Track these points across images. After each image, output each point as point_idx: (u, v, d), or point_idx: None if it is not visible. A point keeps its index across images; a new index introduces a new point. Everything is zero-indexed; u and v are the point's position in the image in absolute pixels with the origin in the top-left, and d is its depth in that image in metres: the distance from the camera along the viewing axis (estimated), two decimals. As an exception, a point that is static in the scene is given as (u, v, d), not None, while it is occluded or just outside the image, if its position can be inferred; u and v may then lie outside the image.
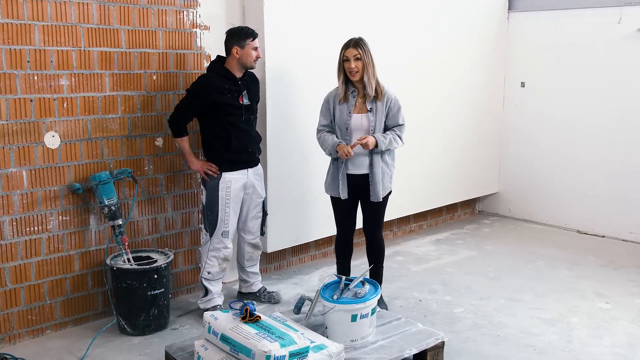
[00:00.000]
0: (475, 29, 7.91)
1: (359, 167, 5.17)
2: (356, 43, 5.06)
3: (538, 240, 7.59)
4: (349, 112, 5.14)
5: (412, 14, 7.05)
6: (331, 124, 5.26)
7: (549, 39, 7.97)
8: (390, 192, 5.30)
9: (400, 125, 5.19)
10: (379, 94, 5.11)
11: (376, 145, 5.03)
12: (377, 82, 5.12)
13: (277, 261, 6.50)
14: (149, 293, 4.97)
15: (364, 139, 4.99)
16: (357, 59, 5.03)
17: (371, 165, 5.14)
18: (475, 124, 8.15)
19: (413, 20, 7.07)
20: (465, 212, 8.72)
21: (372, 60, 5.07)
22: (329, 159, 5.35)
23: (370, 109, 5.12)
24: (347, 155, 5.04)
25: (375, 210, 5.31)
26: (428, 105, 7.38)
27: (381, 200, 5.20)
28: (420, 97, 7.21)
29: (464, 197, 8.36)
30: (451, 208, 8.44)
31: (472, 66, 7.96)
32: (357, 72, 5.04)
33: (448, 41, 7.54)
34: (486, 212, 8.89)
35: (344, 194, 5.23)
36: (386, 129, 5.17)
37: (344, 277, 4.43)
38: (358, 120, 5.13)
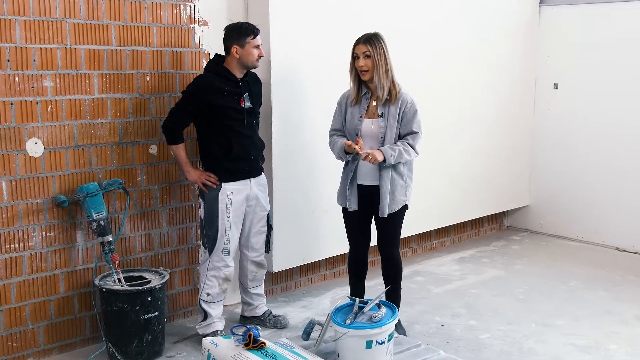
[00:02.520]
0: (502, 25, 7.89)
1: (371, 177, 5.14)
2: (367, 39, 5.03)
3: (573, 259, 7.55)
4: (361, 116, 5.12)
5: (432, 9, 7.03)
6: (343, 128, 5.23)
7: (585, 35, 7.93)
8: (405, 207, 5.25)
9: (414, 133, 5.09)
10: (392, 97, 5.07)
11: (384, 160, 4.98)
12: (393, 84, 5.08)
13: (283, 282, 6.48)
14: (142, 317, 4.95)
15: (368, 154, 4.93)
16: (367, 56, 5.00)
17: (380, 175, 5.10)
18: (503, 129, 8.12)
19: (433, 15, 7.06)
20: (492, 227, 8.69)
21: (385, 59, 5.02)
22: (341, 168, 5.32)
23: (382, 113, 5.08)
24: (356, 149, 4.94)
25: (389, 225, 5.25)
26: (450, 109, 7.36)
27: (386, 215, 5.14)
28: (441, 99, 7.20)
29: (491, 211, 8.34)
30: (476, 223, 8.40)
31: (499, 66, 7.94)
32: (366, 71, 5.02)
33: (473, 38, 7.53)
34: (515, 227, 8.85)
35: (352, 205, 5.21)
36: (400, 136, 5.13)
37: (357, 300, 4.40)
38: (369, 125, 5.10)
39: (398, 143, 5.05)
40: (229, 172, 5.18)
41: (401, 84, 5.16)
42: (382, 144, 5.05)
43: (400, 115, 5.07)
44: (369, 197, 5.17)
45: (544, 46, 8.30)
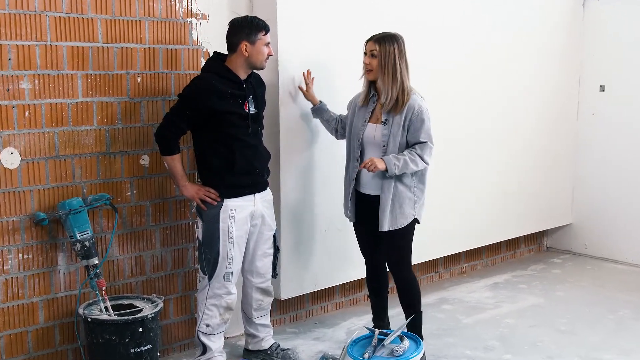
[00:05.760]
0: (542, 21, 7.91)
1: (374, 186, 5.26)
2: (379, 38, 5.18)
3: (621, 284, 7.55)
4: (365, 120, 5.24)
5: (462, 2, 7.02)
6: (346, 124, 5.45)
7: (635, 31, 7.94)
8: (414, 221, 5.28)
9: (422, 143, 5.14)
10: (398, 105, 5.13)
11: (386, 170, 5.06)
12: (402, 92, 5.13)
13: (293, 310, 6.46)
14: (132, 350, 4.92)
15: (368, 161, 5.05)
16: (373, 55, 5.16)
17: (382, 185, 5.19)
18: (543, 137, 8.12)
19: (464, 10, 7.06)
20: (530, 248, 8.68)
21: (393, 63, 5.12)
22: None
23: (385, 120, 5.17)
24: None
25: (397, 241, 5.32)
26: (482, 115, 7.36)
27: (386, 229, 5.19)
28: (472, 104, 7.20)
29: (529, 230, 8.34)
30: (512, 244, 8.39)
31: (538, 66, 7.95)
32: (370, 70, 5.18)
33: (508, 35, 7.53)
34: (556, 248, 8.86)
35: (351, 217, 5.40)
36: (408, 145, 5.18)
37: (377, 331, 4.37)
38: (371, 131, 5.23)
39: (405, 152, 5.14)
40: (231, 186, 5.13)
41: (416, 89, 5.24)
42: (385, 153, 5.14)
43: (407, 124, 5.15)
44: (374, 208, 5.24)
45: (589, 44, 8.32)
